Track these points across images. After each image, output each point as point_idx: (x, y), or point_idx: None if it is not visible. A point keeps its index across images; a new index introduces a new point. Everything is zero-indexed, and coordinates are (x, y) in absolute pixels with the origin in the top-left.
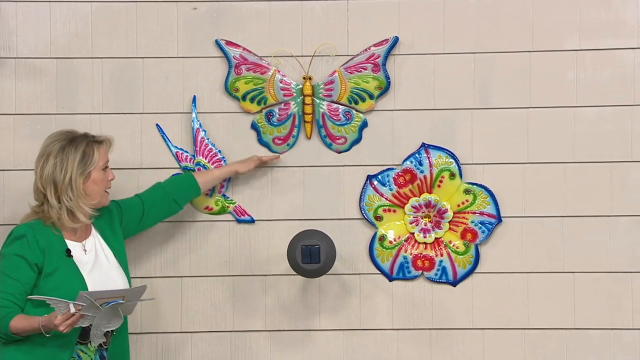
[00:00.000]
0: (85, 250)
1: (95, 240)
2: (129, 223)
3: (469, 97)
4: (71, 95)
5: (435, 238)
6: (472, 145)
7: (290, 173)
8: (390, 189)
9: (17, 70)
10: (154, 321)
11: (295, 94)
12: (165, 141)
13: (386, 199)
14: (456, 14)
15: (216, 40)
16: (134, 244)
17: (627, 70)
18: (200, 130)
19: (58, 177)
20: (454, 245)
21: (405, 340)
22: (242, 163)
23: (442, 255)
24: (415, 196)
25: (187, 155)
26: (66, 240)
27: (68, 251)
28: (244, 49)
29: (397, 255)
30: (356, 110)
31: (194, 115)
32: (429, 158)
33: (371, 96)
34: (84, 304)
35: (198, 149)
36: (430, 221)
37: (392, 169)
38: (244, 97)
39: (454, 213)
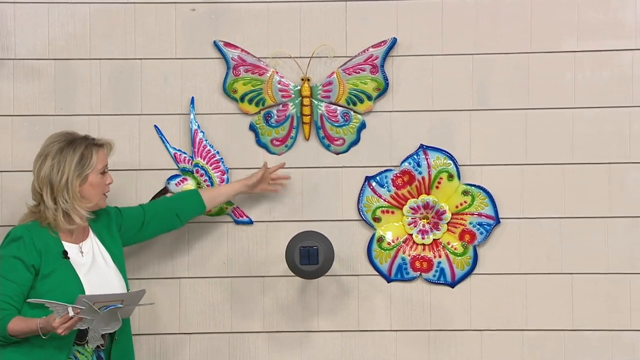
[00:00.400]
0: (82, 252)
1: (92, 242)
2: (128, 230)
3: (467, 98)
4: (69, 96)
5: (434, 239)
6: (471, 146)
7: (288, 174)
8: (389, 190)
9: (15, 72)
10: (152, 322)
11: (293, 95)
12: (164, 142)
13: (384, 200)
14: (454, 15)
15: (214, 42)
16: (132, 245)
17: (625, 71)
18: (199, 131)
19: (54, 178)
20: (452, 247)
21: (404, 342)
22: (248, 178)
23: (440, 256)
24: (413, 197)
25: (185, 157)
26: (63, 242)
27: (65, 253)
28: (242, 50)
29: (395, 257)
30: (354, 112)
31: (192, 116)
32: (427, 159)
33: (369, 97)
34: (83, 308)
35: (196, 150)
36: (428, 222)
37: (391, 170)
38: (242, 99)
39: (452, 214)
